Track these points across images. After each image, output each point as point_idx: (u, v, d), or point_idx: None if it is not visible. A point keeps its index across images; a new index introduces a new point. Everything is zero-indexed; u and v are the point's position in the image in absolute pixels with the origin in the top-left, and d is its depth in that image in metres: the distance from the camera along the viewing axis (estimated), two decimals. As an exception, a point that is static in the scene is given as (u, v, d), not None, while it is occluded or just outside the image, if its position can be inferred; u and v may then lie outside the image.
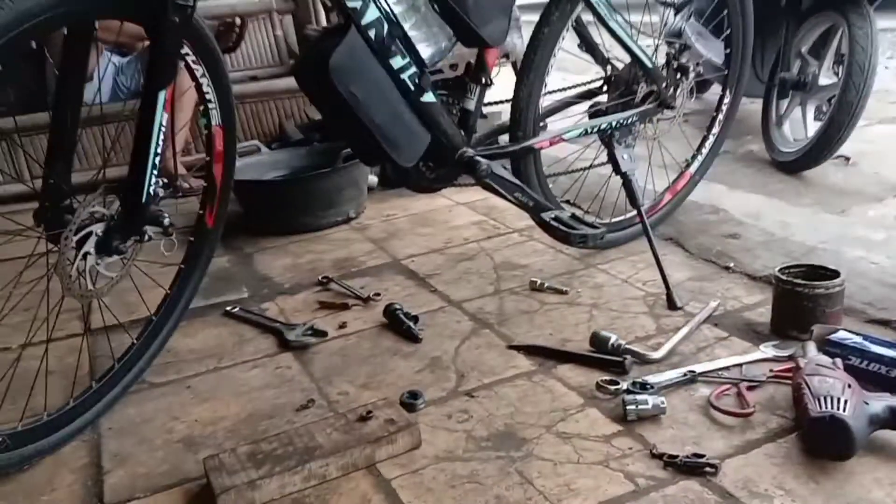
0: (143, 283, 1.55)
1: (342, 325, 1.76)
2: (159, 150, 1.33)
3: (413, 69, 1.46)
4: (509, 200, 1.72)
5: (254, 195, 2.52)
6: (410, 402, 1.39)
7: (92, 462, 1.33)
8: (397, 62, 1.43)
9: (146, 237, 1.38)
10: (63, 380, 1.55)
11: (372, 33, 1.39)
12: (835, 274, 1.53)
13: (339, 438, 1.25)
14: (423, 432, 1.29)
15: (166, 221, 1.39)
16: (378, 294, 1.88)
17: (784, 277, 1.54)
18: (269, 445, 1.25)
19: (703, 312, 1.63)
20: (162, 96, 1.29)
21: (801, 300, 1.50)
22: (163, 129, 1.31)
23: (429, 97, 1.50)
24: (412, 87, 1.46)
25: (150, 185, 1.33)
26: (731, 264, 1.88)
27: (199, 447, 1.34)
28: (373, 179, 2.76)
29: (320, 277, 2.03)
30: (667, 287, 1.71)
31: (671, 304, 1.69)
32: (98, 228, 1.33)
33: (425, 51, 1.47)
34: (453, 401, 1.41)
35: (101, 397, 1.45)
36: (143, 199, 1.34)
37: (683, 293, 1.74)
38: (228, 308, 1.90)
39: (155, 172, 1.33)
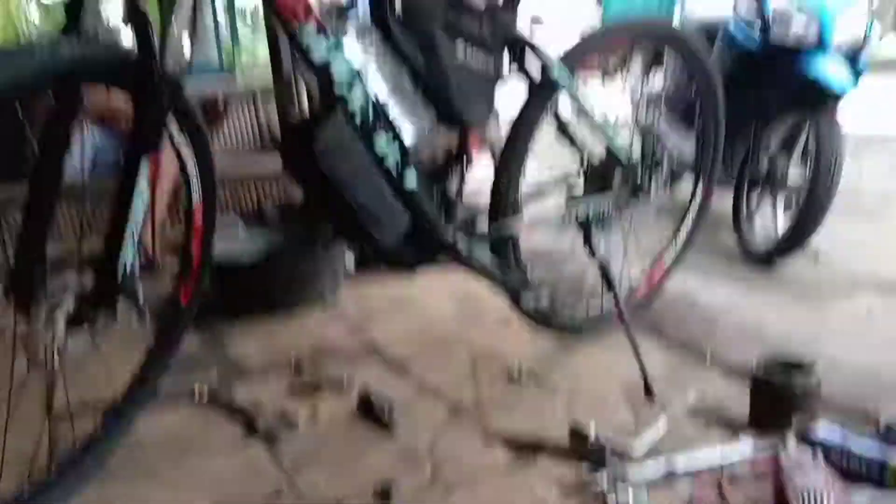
0: (111, 363, 1.48)
1: (314, 412, 1.70)
2: (139, 221, 1.26)
3: (396, 154, 1.47)
4: (489, 283, 1.72)
5: (230, 275, 2.48)
6: (383, 495, 1.33)
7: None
8: (381, 147, 1.45)
9: (119, 313, 1.30)
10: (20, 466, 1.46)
11: (358, 119, 1.42)
12: (810, 366, 1.53)
13: (309, 532, 1.20)
14: (396, 527, 1.24)
15: (140, 298, 1.31)
16: (352, 380, 1.84)
17: (761, 370, 1.54)
18: (234, 539, 1.20)
19: (682, 403, 1.61)
20: (145, 165, 1.24)
21: (778, 393, 1.50)
22: (143, 199, 1.25)
23: (411, 180, 1.51)
24: (395, 170, 1.48)
25: (126, 257, 1.26)
26: (708, 355, 1.87)
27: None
28: (349, 263, 2.75)
29: (293, 361, 1.99)
30: (644, 376, 1.70)
31: (649, 394, 1.68)
32: (69, 301, 1.26)
33: (409, 135, 1.49)
34: (428, 494, 1.36)
35: (59, 487, 1.37)
36: (119, 272, 1.27)
37: (661, 383, 1.72)
38: (195, 391, 1.83)
39: (132, 244, 1.27)
